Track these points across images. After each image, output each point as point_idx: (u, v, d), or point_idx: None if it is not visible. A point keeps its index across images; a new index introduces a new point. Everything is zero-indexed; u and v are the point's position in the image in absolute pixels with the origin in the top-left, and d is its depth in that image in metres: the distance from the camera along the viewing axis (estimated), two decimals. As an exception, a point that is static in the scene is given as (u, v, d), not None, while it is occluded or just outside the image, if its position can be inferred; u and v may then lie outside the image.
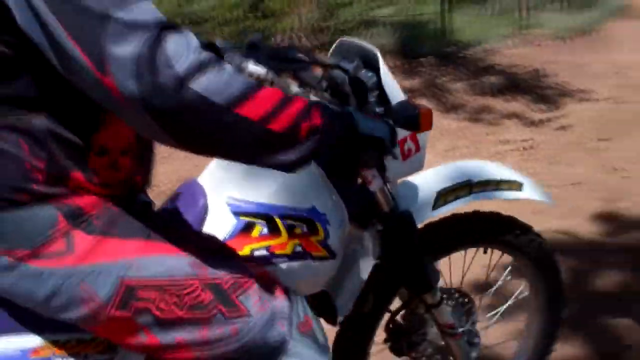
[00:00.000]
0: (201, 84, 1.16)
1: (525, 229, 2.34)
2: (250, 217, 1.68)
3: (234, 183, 1.73)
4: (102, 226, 1.34)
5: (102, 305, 1.34)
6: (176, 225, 1.59)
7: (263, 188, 1.71)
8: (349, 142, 1.48)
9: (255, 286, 1.50)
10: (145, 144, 1.45)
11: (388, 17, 8.77)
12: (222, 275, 1.44)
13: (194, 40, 1.19)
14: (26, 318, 1.36)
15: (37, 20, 1.13)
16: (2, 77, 1.22)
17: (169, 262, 1.40)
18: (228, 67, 1.22)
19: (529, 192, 2.26)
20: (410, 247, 1.92)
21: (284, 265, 1.69)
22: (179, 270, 1.40)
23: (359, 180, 1.89)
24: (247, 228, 1.67)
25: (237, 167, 1.68)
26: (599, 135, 7.02)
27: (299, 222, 1.72)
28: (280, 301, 1.56)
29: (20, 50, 1.20)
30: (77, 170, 1.31)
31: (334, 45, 2.04)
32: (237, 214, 1.67)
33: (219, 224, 1.66)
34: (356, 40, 1.99)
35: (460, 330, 2.23)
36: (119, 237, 1.36)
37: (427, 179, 2.13)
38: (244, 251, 1.65)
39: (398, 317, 2.24)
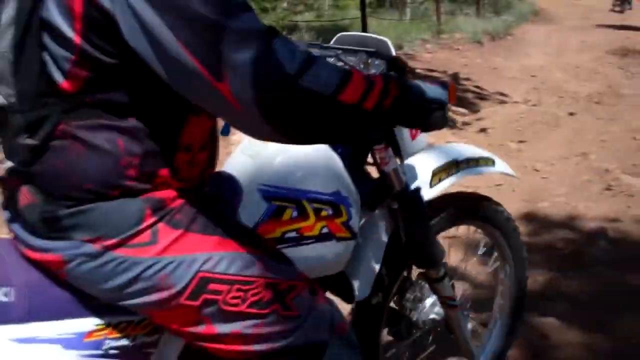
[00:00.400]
0: (310, 80, 1.26)
1: (495, 203, 2.54)
2: (281, 202, 1.76)
3: (263, 171, 1.82)
4: (184, 220, 1.42)
5: (176, 294, 1.41)
6: (235, 221, 1.66)
7: (291, 174, 1.81)
8: (421, 107, 1.57)
9: (305, 290, 1.60)
10: (216, 139, 1.54)
11: (310, 22, 8.72)
12: (280, 277, 1.54)
13: (293, 42, 1.31)
14: (81, 303, 1.42)
15: (145, 32, 1.20)
16: (100, 85, 1.30)
17: (240, 260, 1.48)
18: (324, 61, 1.36)
19: (500, 166, 2.49)
20: (423, 224, 2.09)
21: (312, 247, 1.79)
22: (248, 268, 1.49)
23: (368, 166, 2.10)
24: (279, 212, 1.75)
25: (263, 156, 1.84)
26: (518, 138, 7.20)
27: (325, 205, 1.82)
28: (323, 305, 1.65)
29: (121, 61, 1.28)
30: (165, 167, 1.40)
31: (333, 40, 2.16)
32: (268, 199, 1.76)
33: (252, 209, 1.74)
34: (357, 33, 2.13)
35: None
36: (199, 232, 1.44)
37: (420, 160, 2.26)
38: (276, 233, 1.74)
39: (392, 303, 2.30)
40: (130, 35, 1.23)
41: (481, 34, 16.20)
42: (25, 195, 1.39)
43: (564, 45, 17.31)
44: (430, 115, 1.58)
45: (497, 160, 2.48)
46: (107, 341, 1.44)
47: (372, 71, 1.90)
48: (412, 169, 2.21)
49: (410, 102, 1.53)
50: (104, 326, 1.44)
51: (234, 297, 1.46)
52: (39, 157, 1.34)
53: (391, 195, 2.03)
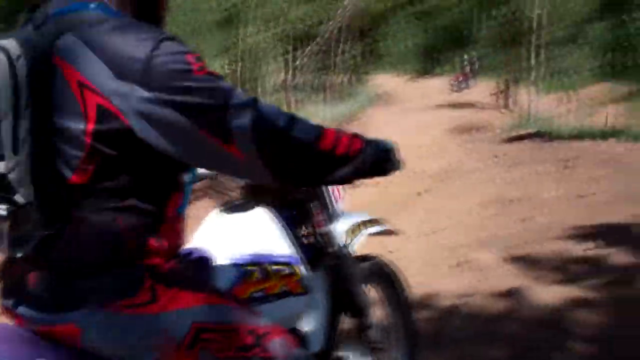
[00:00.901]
0: (296, 132, 1.56)
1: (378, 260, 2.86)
2: (249, 266, 2.03)
3: (230, 242, 2.10)
4: (176, 280, 1.64)
5: (178, 345, 1.60)
6: (215, 282, 1.93)
7: (252, 243, 2.12)
8: (381, 153, 1.78)
9: (280, 337, 1.80)
10: (184, 210, 1.76)
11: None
12: (258, 325, 1.76)
13: (272, 105, 1.60)
14: None
15: (161, 127, 1.47)
16: (105, 174, 1.50)
17: (225, 311, 1.71)
18: (301, 118, 1.63)
19: (385, 225, 2.90)
20: (354, 277, 2.46)
21: (274, 303, 2.03)
22: (232, 318, 1.71)
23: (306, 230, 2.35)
24: (248, 275, 2.01)
25: (228, 230, 2.16)
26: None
27: (282, 266, 2.11)
28: (298, 350, 1.88)
29: (125, 152, 1.50)
30: (154, 237, 1.60)
31: None
32: (238, 265, 2.01)
33: (225, 273, 1.98)
34: None
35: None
36: (189, 290, 1.65)
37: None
38: (246, 294, 1.97)
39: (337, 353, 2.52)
40: (142, 131, 1.47)
41: (331, 120, 16.78)
42: (36, 277, 1.55)
43: (407, 127, 18.04)
44: (389, 160, 1.81)
45: (381, 221, 2.87)
46: None
47: None
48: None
49: (373, 150, 1.75)
50: None
51: (223, 344, 1.67)
52: (53, 244, 1.51)
53: (328, 254, 2.35)
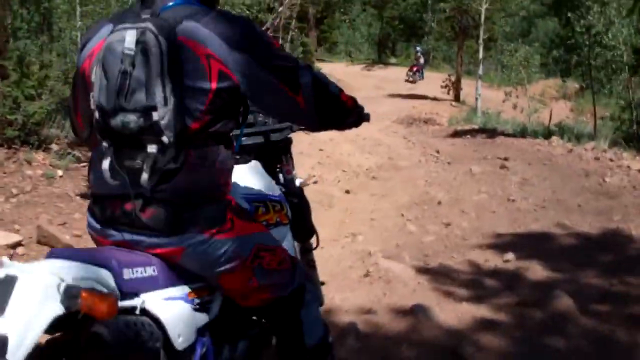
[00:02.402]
0: (331, 88, 2.20)
1: None
2: (255, 203, 2.53)
3: (239, 185, 2.53)
4: (240, 214, 2.18)
5: (243, 260, 2.13)
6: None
7: (254, 185, 2.65)
8: (362, 110, 2.42)
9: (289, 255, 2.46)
10: None
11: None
12: (281, 246, 2.43)
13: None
14: (179, 276, 2.10)
15: (255, 82, 2.03)
16: (212, 123, 2.01)
17: (268, 236, 2.34)
18: (330, 79, 2.28)
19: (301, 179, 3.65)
20: (308, 210, 3.14)
21: (273, 230, 2.55)
22: (271, 240, 2.33)
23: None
24: (256, 209, 2.53)
25: (237, 176, 2.44)
26: (293, 219, 7.06)
27: (275, 203, 2.67)
28: (297, 259, 2.61)
29: (229, 103, 2.04)
30: (228, 177, 2.13)
31: None
32: (249, 201, 2.49)
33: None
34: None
35: None
36: (248, 221, 2.22)
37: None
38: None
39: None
40: (246, 86, 2.02)
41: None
42: (151, 210, 2.00)
43: (356, 116, 17.90)
44: (365, 114, 2.46)
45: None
46: (195, 299, 2.16)
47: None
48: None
49: (359, 106, 2.40)
50: (191, 291, 2.15)
51: (269, 259, 2.25)
52: (171, 178, 1.98)
53: (292, 193, 2.97)
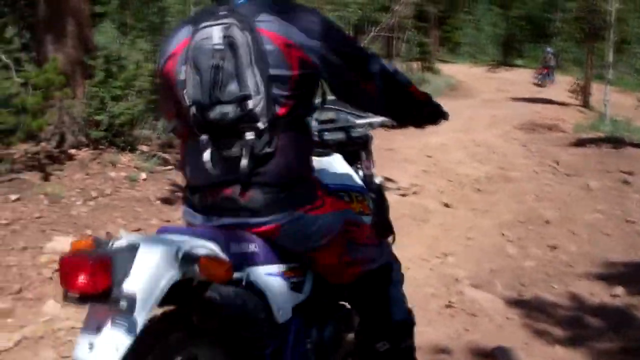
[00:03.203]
0: (399, 77, 2.36)
1: None
2: (340, 192, 2.65)
3: (326, 174, 2.64)
4: (328, 191, 2.41)
5: (336, 235, 2.30)
6: None
7: (340, 176, 2.77)
8: (436, 106, 2.52)
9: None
10: None
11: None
12: (367, 224, 2.61)
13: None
14: (276, 255, 2.28)
15: (333, 69, 2.20)
16: (295, 107, 2.19)
17: (354, 213, 2.54)
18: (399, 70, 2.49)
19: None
20: (386, 206, 3.07)
21: None
22: (358, 218, 2.54)
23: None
24: (341, 197, 2.64)
25: (323, 166, 2.70)
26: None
27: (358, 193, 2.77)
28: (384, 239, 2.78)
29: (310, 89, 2.26)
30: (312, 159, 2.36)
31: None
32: (333, 190, 2.57)
33: None
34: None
35: None
36: (336, 198, 2.45)
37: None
38: None
39: None
40: (324, 71, 2.21)
41: (387, 111, 15.88)
42: (249, 194, 2.16)
43: (474, 120, 17.06)
44: (442, 111, 2.52)
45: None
46: (290, 278, 2.32)
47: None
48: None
49: (433, 101, 2.49)
50: (286, 270, 2.31)
51: (358, 234, 2.41)
52: (266, 162, 2.14)
53: (371, 189, 2.94)
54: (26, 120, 6.25)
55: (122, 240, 1.90)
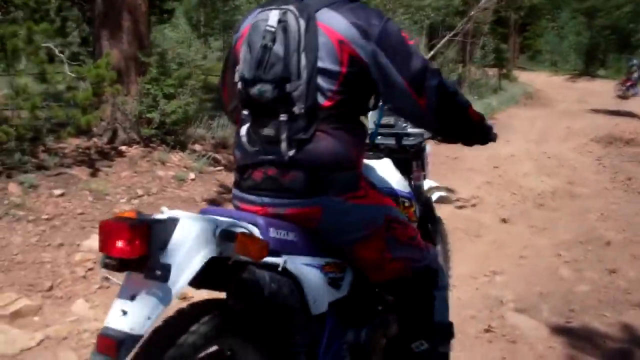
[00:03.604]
0: (458, 99, 2.36)
1: None
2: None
3: (374, 177, 2.70)
4: (374, 186, 2.45)
5: (377, 228, 2.34)
6: None
7: (388, 179, 2.80)
8: (490, 128, 2.62)
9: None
10: None
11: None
12: (413, 226, 2.63)
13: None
14: (317, 247, 2.31)
15: (383, 72, 2.21)
16: (342, 103, 2.23)
17: (399, 211, 2.55)
18: (460, 90, 2.45)
19: (444, 192, 3.94)
20: (435, 216, 3.47)
21: None
22: (403, 217, 2.54)
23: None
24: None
25: (374, 167, 2.81)
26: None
27: (405, 199, 2.82)
28: (432, 247, 2.78)
29: (358, 87, 2.26)
30: (361, 152, 2.36)
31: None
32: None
33: None
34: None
35: None
36: (379, 191, 2.46)
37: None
38: None
39: None
40: (374, 73, 2.22)
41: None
42: (291, 174, 2.22)
43: (549, 131, 16.54)
44: (492, 133, 2.61)
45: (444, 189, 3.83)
46: (328, 273, 2.35)
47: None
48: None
49: (485, 124, 2.56)
50: (325, 264, 2.34)
51: (401, 232, 2.43)
52: (304, 147, 2.19)
53: (419, 200, 3.00)
54: (76, 116, 6.23)
55: (164, 214, 1.97)
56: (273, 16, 2.20)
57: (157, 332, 1.90)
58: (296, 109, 2.16)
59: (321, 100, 2.19)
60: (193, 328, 1.95)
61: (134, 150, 6.94)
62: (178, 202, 6.30)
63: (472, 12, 16.44)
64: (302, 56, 2.15)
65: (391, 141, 3.07)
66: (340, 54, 2.19)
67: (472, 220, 7.23)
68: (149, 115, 6.89)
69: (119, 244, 1.79)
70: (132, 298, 1.83)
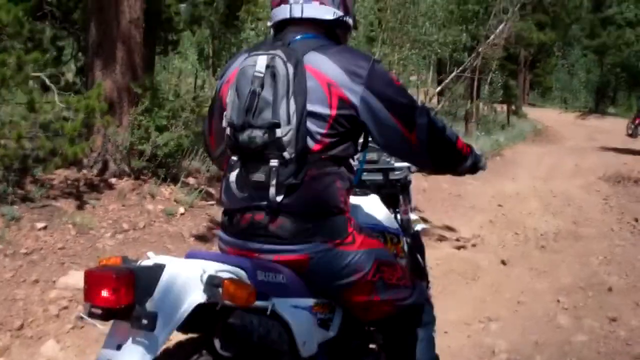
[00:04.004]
0: (447, 134, 2.38)
1: None
2: (374, 232, 2.63)
3: (361, 213, 2.74)
4: (360, 229, 2.40)
5: (365, 274, 2.33)
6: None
7: (375, 216, 2.83)
8: (477, 158, 2.60)
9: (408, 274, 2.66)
10: None
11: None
12: (401, 265, 2.67)
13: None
14: (305, 289, 2.29)
15: (373, 114, 2.25)
16: (332, 146, 2.26)
17: (388, 253, 2.60)
18: (446, 124, 2.46)
19: (423, 225, 3.82)
20: (422, 250, 3.33)
21: None
22: (392, 258, 2.61)
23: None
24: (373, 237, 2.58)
25: (361, 205, 2.81)
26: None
27: (393, 235, 2.86)
28: (419, 282, 2.81)
29: (349, 130, 2.28)
30: (348, 197, 2.37)
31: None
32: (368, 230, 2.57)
33: None
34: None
35: None
36: (368, 236, 2.43)
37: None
38: None
39: None
40: (363, 114, 2.25)
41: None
42: (278, 221, 2.23)
43: (556, 168, 16.35)
44: (481, 162, 2.63)
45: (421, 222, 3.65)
46: (318, 313, 2.34)
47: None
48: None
49: (474, 153, 2.57)
50: (314, 305, 2.32)
51: (390, 275, 2.44)
52: (293, 192, 2.20)
53: (407, 234, 3.07)
54: (64, 147, 6.08)
55: (149, 260, 1.98)
56: (261, 61, 2.22)
57: None
58: (286, 154, 2.18)
59: (311, 144, 2.22)
60: None
61: (124, 183, 6.76)
62: (165, 237, 6.11)
63: (481, 48, 16.31)
64: (291, 101, 2.18)
65: (378, 177, 3.10)
66: (329, 97, 2.22)
67: (470, 262, 7.01)
68: (140, 147, 6.73)
69: (104, 293, 1.80)
70: (118, 347, 1.84)
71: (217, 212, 6.93)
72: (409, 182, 3.21)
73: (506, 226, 9.31)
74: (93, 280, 1.83)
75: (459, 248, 7.80)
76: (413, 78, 18.65)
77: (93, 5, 6.78)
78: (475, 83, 19.76)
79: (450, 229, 9.04)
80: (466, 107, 18.50)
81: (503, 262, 7.10)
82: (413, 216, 3.45)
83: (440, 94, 19.46)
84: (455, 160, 2.47)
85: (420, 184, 11.56)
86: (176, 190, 6.97)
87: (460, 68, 16.00)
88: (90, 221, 5.91)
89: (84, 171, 6.83)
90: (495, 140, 18.57)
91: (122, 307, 1.80)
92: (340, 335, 2.46)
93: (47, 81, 6.27)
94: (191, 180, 7.57)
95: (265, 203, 2.22)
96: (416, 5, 14.59)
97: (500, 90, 22.03)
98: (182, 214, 6.61)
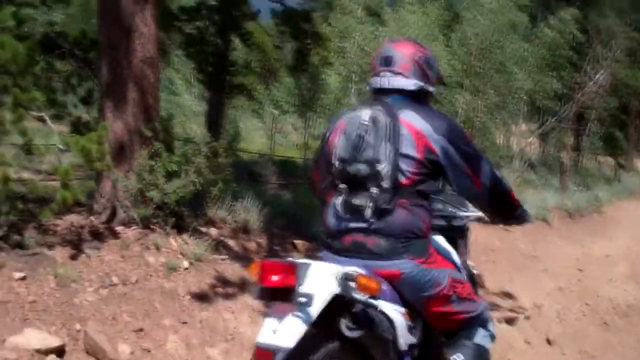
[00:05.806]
0: (504, 183, 3.09)
1: None
2: None
3: (436, 244, 3.21)
4: (440, 251, 3.10)
5: (442, 288, 2.90)
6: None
7: (448, 250, 3.35)
8: (525, 211, 3.27)
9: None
10: None
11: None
12: (469, 284, 3.23)
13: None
14: (397, 298, 2.86)
15: (450, 160, 2.91)
16: (419, 182, 2.88)
17: (459, 272, 3.20)
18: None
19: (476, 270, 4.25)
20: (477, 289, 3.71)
21: None
22: (462, 277, 3.18)
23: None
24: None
25: (437, 241, 3.27)
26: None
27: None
28: (482, 300, 3.36)
29: (432, 170, 2.92)
30: (430, 224, 3.00)
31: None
32: None
33: None
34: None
35: None
36: (444, 258, 3.11)
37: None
38: None
39: None
40: (442, 161, 2.90)
41: (552, 211, 13.99)
42: (374, 240, 2.86)
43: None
44: (528, 215, 3.28)
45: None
46: (407, 320, 2.86)
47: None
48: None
49: (524, 208, 3.24)
50: (404, 312, 2.86)
51: (462, 290, 2.99)
52: (385, 216, 2.84)
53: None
54: (59, 192, 5.68)
55: (298, 260, 2.64)
56: (365, 113, 2.96)
57: (297, 348, 2.45)
58: (384, 184, 2.84)
59: (402, 179, 2.88)
60: (322, 349, 2.59)
61: (131, 232, 6.26)
62: (156, 294, 5.52)
63: (578, 95, 15.20)
64: (388, 144, 2.86)
65: (442, 222, 3.51)
66: (417, 144, 2.90)
67: (504, 339, 6.03)
68: (147, 194, 6.24)
69: (274, 277, 2.52)
70: (281, 319, 2.50)
71: (228, 268, 6.35)
72: (467, 229, 3.69)
73: (577, 295, 8.25)
74: (267, 267, 2.54)
75: (509, 321, 6.81)
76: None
77: (104, 43, 6.41)
78: (570, 133, 18.46)
79: (507, 295, 8.08)
80: (561, 159, 17.23)
81: (548, 342, 6.12)
82: (469, 262, 3.76)
83: (530, 144, 18.30)
84: (508, 206, 3.17)
85: (492, 242, 10.61)
86: (188, 242, 6.40)
87: (555, 118, 14.94)
88: (75, 273, 5.42)
89: (92, 217, 6.40)
90: (594, 195, 17.13)
91: (289, 285, 2.49)
92: (421, 342, 3.00)
93: (49, 121, 5.91)
94: (213, 230, 7.00)
95: (363, 225, 2.88)
96: (503, 50, 13.70)
97: (598, 141, 20.53)
98: (185, 269, 6.03)
